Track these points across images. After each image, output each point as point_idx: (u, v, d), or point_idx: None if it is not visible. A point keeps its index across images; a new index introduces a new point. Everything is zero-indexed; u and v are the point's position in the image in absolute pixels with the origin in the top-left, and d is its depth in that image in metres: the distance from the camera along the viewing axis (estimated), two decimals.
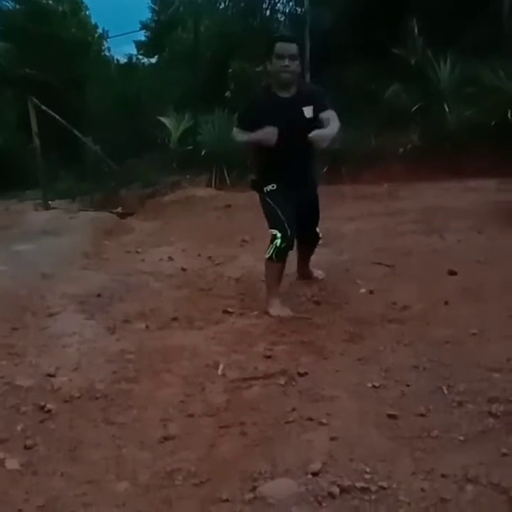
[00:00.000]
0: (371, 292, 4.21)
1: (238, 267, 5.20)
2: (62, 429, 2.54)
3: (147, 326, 3.87)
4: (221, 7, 13.89)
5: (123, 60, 17.66)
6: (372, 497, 1.91)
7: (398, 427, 2.36)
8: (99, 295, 4.57)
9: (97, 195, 11.12)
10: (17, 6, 16.83)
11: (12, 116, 15.01)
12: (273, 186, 4.01)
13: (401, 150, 8.76)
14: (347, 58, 9.78)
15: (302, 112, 3.84)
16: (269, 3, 13.04)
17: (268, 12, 13.19)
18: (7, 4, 16.77)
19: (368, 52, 9.54)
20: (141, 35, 18.52)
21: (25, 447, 2.38)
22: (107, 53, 18.60)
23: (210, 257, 5.72)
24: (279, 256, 3.90)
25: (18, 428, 2.54)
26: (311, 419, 2.44)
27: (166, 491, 2.07)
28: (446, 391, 2.62)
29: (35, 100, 10.41)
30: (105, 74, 16.10)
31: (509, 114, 7.94)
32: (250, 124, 3.88)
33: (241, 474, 2.11)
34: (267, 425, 2.44)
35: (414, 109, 9.15)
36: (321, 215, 4.35)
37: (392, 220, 6.28)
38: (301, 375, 2.91)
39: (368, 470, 2.05)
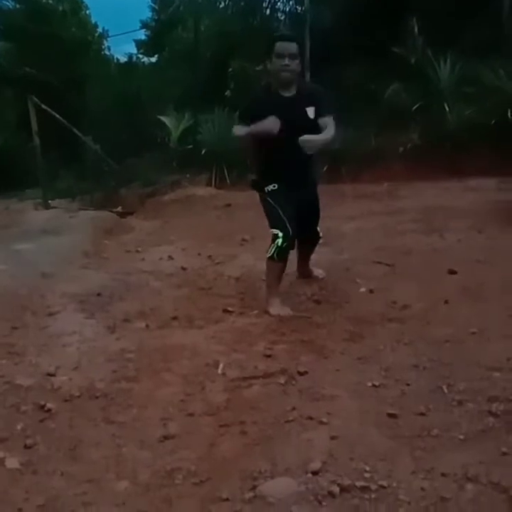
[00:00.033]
0: (371, 291, 4.21)
1: (238, 266, 5.20)
2: (62, 428, 2.54)
3: (147, 325, 3.87)
4: (221, 6, 13.89)
5: (123, 59, 17.70)
6: (373, 496, 1.91)
7: (398, 426, 2.36)
8: (99, 294, 4.57)
9: (97, 194, 11.12)
10: (17, 6, 16.85)
11: (12, 116, 15.01)
12: (274, 186, 4.01)
13: (401, 149, 8.76)
14: (347, 57, 9.78)
15: (305, 112, 3.85)
16: (269, 2, 13.03)
17: (268, 11, 13.19)
18: (7, 4, 16.81)
19: (368, 51, 9.54)
20: (141, 35, 18.60)
21: (25, 446, 2.38)
22: (107, 52, 18.66)
23: (210, 256, 5.72)
24: (281, 255, 3.90)
25: (18, 427, 2.53)
26: (311, 418, 2.44)
27: (166, 490, 2.07)
28: (446, 390, 2.62)
29: (35, 99, 10.40)
30: (105, 73, 16.10)
31: (509, 114, 7.94)
32: (252, 120, 3.85)
33: (241, 473, 2.10)
34: (267, 424, 2.44)
35: (414, 108, 9.14)
36: (321, 214, 4.35)
37: (392, 220, 6.28)
38: (301, 374, 2.91)
39: (368, 469, 2.05)
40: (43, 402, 2.73)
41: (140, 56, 18.39)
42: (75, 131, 11.66)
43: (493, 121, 8.03)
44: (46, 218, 8.95)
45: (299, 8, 12.27)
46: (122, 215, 9.59)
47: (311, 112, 3.85)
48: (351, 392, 2.69)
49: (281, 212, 3.91)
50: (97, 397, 2.81)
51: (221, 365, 3.06)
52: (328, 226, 5.06)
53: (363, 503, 1.89)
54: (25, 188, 12.39)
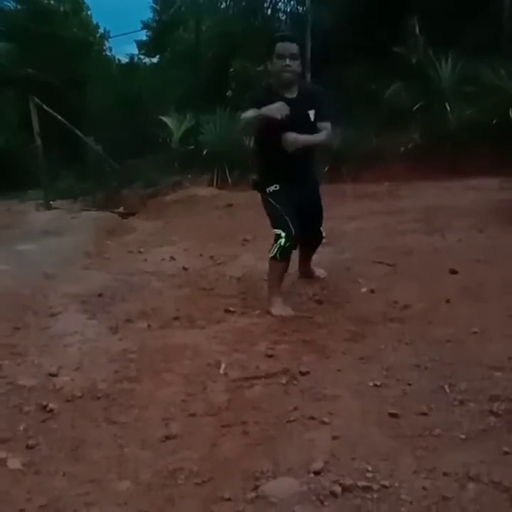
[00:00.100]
0: (372, 291, 4.21)
1: (240, 266, 5.21)
2: (64, 428, 2.55)
3: (149, 326, 3.87)
4: (222, 6, 13.90)
5: (124, 59, 17.75)
6: (375, 496, 1.92)
7: (400, 426, 2.36)
8: (101, 295, 4.58)
9: (98, 194, 11.13)
10: (18, 6, 16.87)
11: (13, 116, 15.05)
12: (275, 187, 4.02)
13: (402, 149, 8.76)
14: (348, 57, 9.78)
15: (307, 113, 3.88)
16: (270, 3, 13.04)
17: (269, 11, 13.18)
18: (9, 4, 16.84)
19: (369, 51, 9.54)
20: (143, 35, 18.61)
21: (28, 447, 2.38)
22: (108, 53, 18.71)
23: (211, 257, 5.72)
24: (283, 255, 3.91)
25: (21, 428, 2.54)
26: (312, 418, 2.44)
27: (168, 490, 2.07)
28: (447, 390, 2.63)
29: (37, 100, 10.42)
30: (107, 74, 16.13)
31: (510, 114, 7.93)
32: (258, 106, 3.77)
33: (243, 473, 2.11)
34: (269, 424, 2.45)
35: (415, 108, 9.14)
36: (323, 214, 4.35)
37: (393, 219, 6.27)
38: (302, 374, 2.91)
39: (369, 469, 2.05)
40: (45, 403, 2.73)
41: (141, 57, 18.47)
42: (77, 131, 11.68)
43: (494, 121, 8.02)
44: (48, 219, 8.96)
45: (300, 9, 12.28)
46: (124, 215, 9.60)
47: (312, 114, 3.88)
48: (353, 392, 2.69)
49: (283, 213, 3.91)
50: (98, 398, 2.81)
51: (223, 365, 3.07)
52: (329, 226, 5.04)
53: (365, 502, 1.89)
54: (27, 189, 12.42)
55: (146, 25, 18.16)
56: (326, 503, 1.90)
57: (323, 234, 4.43)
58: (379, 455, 2.14)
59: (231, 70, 11.58)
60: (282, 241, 3.86)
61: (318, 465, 2.07)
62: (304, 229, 4.16)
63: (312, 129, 3.86)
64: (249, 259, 5.34)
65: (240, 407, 2.64)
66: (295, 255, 4.28)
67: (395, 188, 7.83)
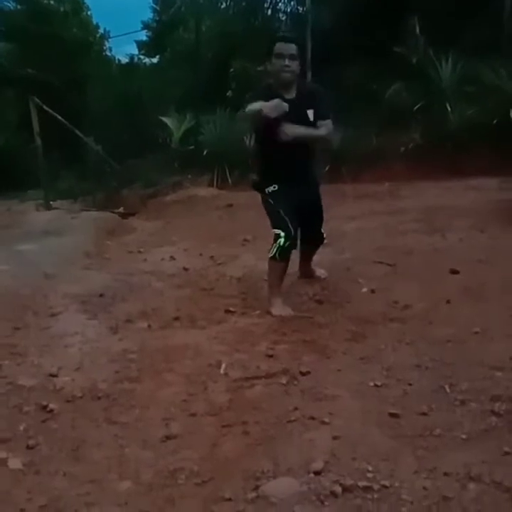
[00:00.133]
0: (373, 291, 4.21)
1: (240, 267, 5.21)
2: (64, 428, 2.54)
3: (149, 326, 3.87)
4: (222, 7, 13.91)
5: (124, 60, 17.73)
6: (375, 496, 1.91)
7: (400, 426, 2.36)
8: (101, 295, 4.58)
9: (98, 195, 11.14)
10: (18, 6, 16.87)
11: (13, 116, 15.04)
12: (274, 187, 4.02)
13: (402, 149, 8.75)
14: (348, 58, 9.77)
15: (306, 113, 3.88)
16: (270, 3, 13.04)
17: (269, 11, 13.19)
18: (8, 4, 16.83)
19: (369, 51, 9.53)
20: (143, 35, 18.59)
21: (28, 447, 2.38)
22: (108, 53, 18.70)
23: (212, 257, 5.72)
24: (283, 255, 3.91)
25: (21, 428, 2.54)
26: (313, 418, 2.44)
27: (168, 490, 2.07)
28: (448, 390, 2.62)
29: (37, 100, 10.42)
30: (107, 74, 16.12)
31: (510, 114, 7.92)
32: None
33: (243, 473, 2.11)
34: (270, 424, 2.44)
35: (415, 108, 9.13)
36: (323, 215, 4.35)
37: (393, 219, 6.27)
38: (303, 374, 2.91)
39: (370, 469, 2.05)
40: (45, 403, 2.73)
41: (141, 57, 18.45)
42: (77, 131, 11.68)
43: (494, 121, 8.01)
44: (48, 219, 8.96)
45: (300, 9, 12.28)
46: (124, 215, 9.60)
47: (311, 114, 3.88)
48: (353, 392, 2.69)
49: (282, 213, 3.91)
50: (99, 398, 2.81)
51: (223, 366, 3.06)
52: (330, 226, 5.04)
53: (365, 502, 1.89)
54: (27, 189, 12.42)
55: (146, 26, 18.17)
56: (326, 503, 1.90)
57: (324, 235, 4.42)
58: (379, 455, 2.13)
59: (231, 70, 11.58)
60: (281, 241, 3.86)
61: (318, 465, 2.07)
62: (305, 229, 4.16)
63: (309, 126, 3.86)
64: (249, 259, 5.34)
65: (241, 407, 2.64)
66: (295, 255, 4.27)
67: (395, 188, 7.82)
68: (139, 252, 6.48)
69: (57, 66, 15.20)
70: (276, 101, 3.61)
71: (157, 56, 17.89)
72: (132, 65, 17.13)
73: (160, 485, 2.10)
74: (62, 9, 17.21)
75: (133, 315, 4.09)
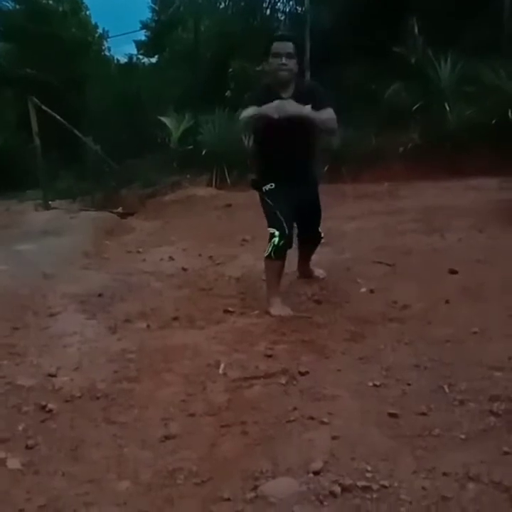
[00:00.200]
0: (372, 291, 4.21)
1: (239, 267, 5.21)
2: (63, 428, 2.54)
3: (148, 326, 3.87)
4: (221, 6, 13.93)
5: (123, 59, 17.79)
6: (374, 496, 1.91)
7: (399, 426, 2.36)
8: (100, 295, 4.57)
9: (97, 194, 11.14)
10: (17, 6, 16.88)
11: (12, 116, 15.05)
12: (271, 185, 4.02)
13: (401, 149, 8.76)
14: (347, 58, 9.79)
15: None
16: (269, 3, 13.07)
17: (268, 11, 13.22)
18: (7, 4, 16.85)
19: (368, 51, 9.55)
20: (142, 35, 18.62)
21: (27, 447, 2.38)
22: (107, 53, 18.76)
23: (210, 257, 5.72)
24: (278, 254, 3.90)
25: (20, 428, 2.53)
26: (312, 418, 2.44)
27: (167, 490, 2.07)
28: (447, 390, 2.62)
29: (36, 100, 10.42)
30: (105, 74, 16.14)
31: (509, 114, 7.94)
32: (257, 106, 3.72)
33: (242, 473, 2.10)
34: (268, 424, 2.44)
35: (414, 108, 9.15)
36: (322, 214, 4.35)
37: (392, 219, 6.28)
38: (302, 374, 2.90)
39: (369, 469, 2.04)
40: (44, 403, 2.73)
41: (140, 57, 18.49)
42: (75, 131, 11.68)
43: (493, 121, 8.03)
44: (47, 219, 8.96)
45: (299, 9, 12.29)
46: (123, 215, 9.61)
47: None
48: (352, 392, 2.69)
49: (278, 212, 3.91)
50: (98, 398, 2.81)
51: (222, 366, 3.06)
52: (329, 226, 5.06)
53: (364, 502, 1.89)
54: (26, 189, 12.42)
55: (144, 26, 18.18)
56: (325, 503, 1.90)
57: (322, 234, 4.43)
58: (378, 455, 2.13)
59: (230, 70, 11.60)
60: (276, 240, 3.86)
61: (317, 465, 2.07)
62: (302, 229, 4.16)
63: (308, 126, 3.83)
64: (248, 259, 5.34)
65: (240, 407, 2.63)
66: (294, 255, 4.27)
67: (394, 188, 7.83)
68: (138, 252, 6.48)
69: (56, 66, 15.21)
70: (277, 102, 3.60)
71: (156, 56, 17.93)
72: (131, 65, 17.16)
73: (159, 485, 2.10)
74: (60, 9, 17.23)
75: (132, 315, 4.08)
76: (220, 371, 3.01)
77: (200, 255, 5.89)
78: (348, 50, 9.80)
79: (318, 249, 4.55)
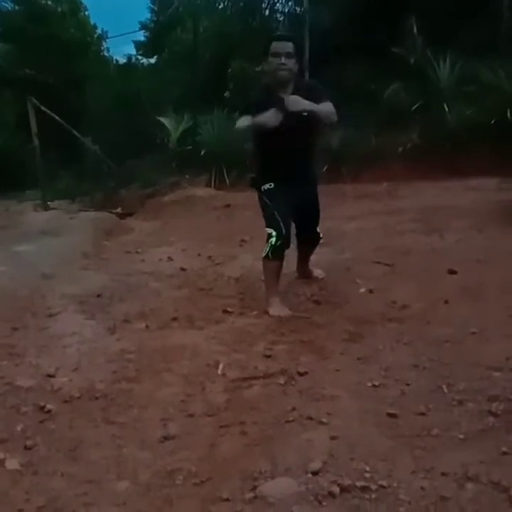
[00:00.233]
0: (371, 291, 4.21)
1: (238, 267, 5.21)
2: (62, 429, 2.54)
3: (147, 326, 3.87)
4: (220, 7, 13.92)
5: (122, 60, 17.83)
6: (373, 496, 1.91)
7: (398, 426, 2.36)
8: (99, 295, 4.57)
9: (96, 195, 11.15)
10: (16, 7, 16.89)
11: (11, 117, 15.06)
12: (270, 185, 4.02)
13: (401, 149, 8.76)
14: (346, 58, 9.79)
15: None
16: (268, 3, 13.07)
17: (267, 12, 13.22)
18: (6, 5, 16.88)
19: (368, 51, 9.55)
20: (141, 36, 18.63)
21: (26, 447, 2.38)
22: (106, 54, 18.79)
23: (209, 257, 5.72)
24: (275, 254, 3.91)
25: (19, 428, 2.53)
26: (311, 419, 2.44)
27: (166, 490, 2.07)
28: (446, 390, 2.62)
29: (35, 100, 10.43)
30: (104, 74, 16.17)
31: (509, 114, 7.93)
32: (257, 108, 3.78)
33: (241, 474, 2.10)
34: (267, 424, 2.44)
35: (413, 108, 9.14)
36: (321, 214, 4.35)
37: (392, 219, 6.27)
38: (301, 374, 2.90)
39: (368, 469, 2.04)
40: (43, 403, 2.73)
41: (139, 57, 18.49)
42: (75, 132, 11.68)
43: (492, 121, 8.02)
44: (46, 219, 8.97)
45: (298, 9, 12.29)
46: (122, 216, 9.61)
47: None
48: (351, 392, 2.69)
49: (275, 212, 3.91)
50: (97, 398, 2.81)
51: (221, 366, 3.06)
52: (329, 226, 5.06)
53: (363, 503, 1.89)
54: (25, 189, 12.43)
55: (143, 26, 18.20)
56: (324, 504, 1.90)
57: (321, 234, 4.43)
58: (377, 455, 2.13)
59: (229, 70, 11.59)
60: (273, 240, 3.86)
61: (316, 465, 2.07)
62: (301, 229, 4.16)
63: (308, 125, 3.84)
64: (247, 259, 5.33)
65: (239, 407, 2.63)
66: (293, 255, 4.27)
67: (393, 188, 7.83)
68: (137, 252, 6.47)
69: (55, 66, 15.23)
70: (272, 111, 3.64)
71: (155, 56, 17.93)
72: (130, 66, 17.17)
73: (158, 485, 2.10)
74: (59, 10, 17.24)
75: (131, 315, 4.08)
76: (219, 371, 3.01)
77: (199, 255, 5.89)
78: (347, 50, 9.80)
79: (317, 249, 4.55)
